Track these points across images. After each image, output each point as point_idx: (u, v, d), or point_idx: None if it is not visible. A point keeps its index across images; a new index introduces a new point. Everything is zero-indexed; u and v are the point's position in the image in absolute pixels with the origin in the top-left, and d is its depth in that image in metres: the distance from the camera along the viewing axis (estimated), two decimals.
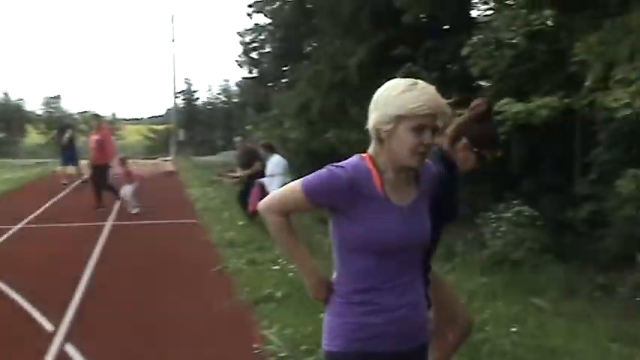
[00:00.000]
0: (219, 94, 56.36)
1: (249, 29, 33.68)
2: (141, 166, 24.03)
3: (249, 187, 10.77)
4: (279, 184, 9.87)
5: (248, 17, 33.75)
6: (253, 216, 10.83)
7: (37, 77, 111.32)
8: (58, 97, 54.09)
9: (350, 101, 13.62)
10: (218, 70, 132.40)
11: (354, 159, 1.89)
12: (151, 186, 16.65)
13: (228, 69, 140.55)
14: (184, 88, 52.35)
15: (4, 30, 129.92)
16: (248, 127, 38.07)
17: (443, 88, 7.48)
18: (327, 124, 14.64)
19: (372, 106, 1.86)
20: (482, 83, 12.94)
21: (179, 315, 5.17)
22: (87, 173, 15.43)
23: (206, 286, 6.08)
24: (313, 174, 1.85)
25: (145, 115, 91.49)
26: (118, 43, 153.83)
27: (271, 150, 10.16)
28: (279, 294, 5.34)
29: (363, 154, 1.90)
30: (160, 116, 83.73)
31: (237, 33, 33.53)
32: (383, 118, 1.80)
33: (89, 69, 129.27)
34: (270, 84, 33.30)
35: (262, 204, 1.94)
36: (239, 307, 5.28)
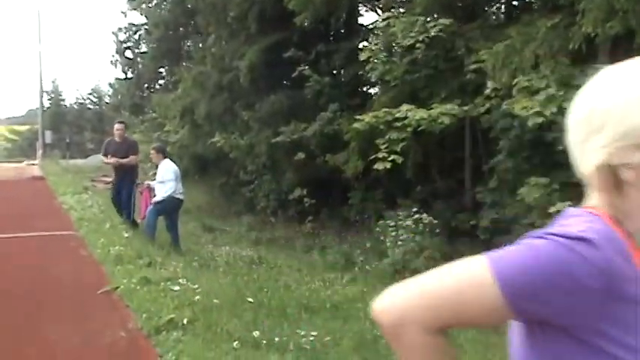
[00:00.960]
0: (89, 94, 53.45)
1: (124, 28, 32.11)
2: (3, 170, 22.05)
3: (122, 186, 10.04)
4: (170, 191, 9.11)
5: (123, 15, 32.27)
6: (135, 224, 10.04)
7: None
8: None
9: (239, 104, 13.10)
10: (88, 70, 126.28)
11: (589, 220, 0.92)
12: (17, 193, 15.16)
13: (99, 69, 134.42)
14: (50, 88, 49.12)
15: None
16: None
17: (334, 93, 7.20)
18: (214, 127, 14.02)
19: (594, 119, 0.93)
20: (374, 90, 12.95)
21: (63, 348, 4.43)
22: None
23: (94, 311, 5.32)
24: (511, 250, 0.91)
25: (2, 116, 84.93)
26: None
27: (163, 154, 9.44)
28: (183, 319, 4.72)
29: (590, 208, 0.96)
30: (19, 117, 78.24)
31: (112, 32, 31.87)
32: (628, 140, 0.89)
33: None
34: (146, 85, 31.89)
35: (388, 306, 0.94)
36: (136, 337, 4.61)
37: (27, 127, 52.69)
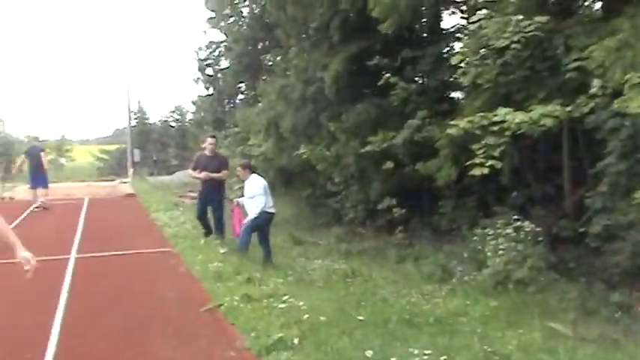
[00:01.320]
0: (172, 112, 55.16)
1: (205, 46, 32.96)
2: (98, 188, 22.91)
3: (208, 202, 10.08)
4: (261, 206, 9.12)
5: (203, 34, 33.11)
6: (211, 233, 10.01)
7: None
8: (0, 120, 51.84)
9: (325, 115, 13.03)
10: (170, 88, 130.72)
11: None
12: (112, 211, 15.65)
13: (181, 87, 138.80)
14: (136, 108, 51.03)
15: None
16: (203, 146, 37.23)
17: (421, 100, 6.87)
18: (299, 139, 14.00)
19: None
20: (458, 95, 12.57)
21: None
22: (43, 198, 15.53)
23: (200, 329, 5.28)
24: None
25: (92, 137, 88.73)
26: (62, 64, 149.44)
27: (250, 169, 9.49)
28: (292, 339, 4.60)
29: None
30: (107, 137, 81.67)
31: (194, 51, 32.78)
32: None
33: (33, 91, 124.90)
34: (227, 100, 32.55)
35: None
36: (246, 357, 4.53)
37: (116, 146, 54.90)
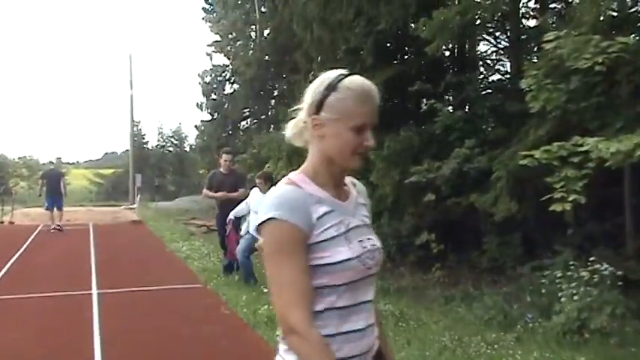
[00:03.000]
0: (169, 137, 54.29)
1: (210, 70, 32.27)
2: (100, 213, 21.92)
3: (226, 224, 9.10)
4: None
5: (207, 58, 32.61)
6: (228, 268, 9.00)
7: None
8: None
9: None
10: (167, 112, 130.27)
11: None
12: (122, 240, 14.67)
13: (179, 111, 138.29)
14: (134, 131, 50.08)
15: None
16: (202, 172, 36.31)
17: (467, 127, 5.84)
18: None
19: None
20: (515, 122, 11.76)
21: None
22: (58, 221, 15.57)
23: None
24: None
25: (82, 159, 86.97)
26: (58, 84, 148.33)
27: (271, 182, 8.40)
28: None
29: None
30: (97, 160, 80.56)
31: (198, 74, 32.03)
32: None
33: (28, 111, 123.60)
34: (230, 126, 31.72)
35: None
36: None
37: (109, 170, 53.82)
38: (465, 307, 9.65)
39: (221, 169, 9.36)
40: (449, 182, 10.35)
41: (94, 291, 7.91)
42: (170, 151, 53.50)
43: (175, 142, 53.95)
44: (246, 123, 31.81)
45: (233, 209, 8.80)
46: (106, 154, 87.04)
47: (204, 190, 9.81)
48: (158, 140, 53.76)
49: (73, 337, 5.71)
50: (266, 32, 25.28)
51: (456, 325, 8.66)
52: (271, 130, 25.01)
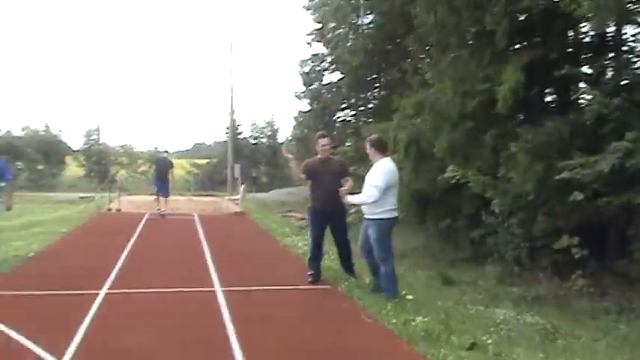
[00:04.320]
0: (263, 128, 54.51)
1: (309, 59, 31.74)
2: (201, 203, 21.73)
3: (330, 219, 7.74)
4: (382, 205, 6.93)
5: (307, 46, 32.01)
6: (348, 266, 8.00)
7: (77, 109, 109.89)
8: (97, 130, 52.44)
9: (491, 133, 11.06)
10: (260, 104, 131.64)
11: None
12: (232, 231, 14.16)
13: (274, 102, 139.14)
14: (228, 122, 50.54)
15: (45, 62, 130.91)
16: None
17: (624, 117, 4.09)
18: (451, 160, 12.06)
19: None
20: None
21: None
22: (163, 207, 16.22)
23: None
24: None
25: (171, 149, 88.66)
26: (159, 75, 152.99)
27: (384, 150, 7.05)
28: None
29: None
30: (187, 150, 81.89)
31: (298, 64, 31.58)
32: None
33: (129, 101, 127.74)
34: (330, 116, 31.06)
35: None
36: None
37: (204, 160, 54.52)
38: (626, 324, 8.43)
39: (318, 156, 8.04)
40: (602, 180, 9.11)
41: (218, 288, 7.27)
42: (263, 142, 53.70)
43: (269, 133, 54.12)
44: (344, 114, 31.08)
45: (337, 200, 7.40)
46: (196, 144, 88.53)
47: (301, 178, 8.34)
48: (252, 131, 54.12)
49: (209, 344, 5.02)
50: (369, 18, 24.33)
51: (623, 345, 7.49)
52: (371, 120, 24.11)
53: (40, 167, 48.25)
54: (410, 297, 6.80)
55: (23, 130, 51.26)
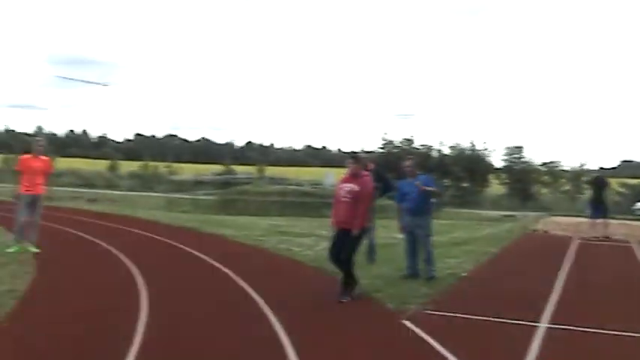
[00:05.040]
0: None
1: None
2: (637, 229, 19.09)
3: None
4: None
5: None
6: None
7: (500, 126, 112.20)
8: (520, 148, 52.13)
9: None
10: None
11: None
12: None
13: None
14: None
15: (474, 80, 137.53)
16: None
17: None
18: None
19: None
20: None
21: None
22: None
23: None
24: None
25: (591, 166, 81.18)
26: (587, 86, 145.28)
27: None
28: None
29: None
30: (611, 168, 74.39)
31: None
32: None
33: (556, 116, 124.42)
34: None
35: None
36: None
37: (635, 180, 49.10)
38: None
39: None
40: None
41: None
42: None
43: None
44: None
45: None
46: (624, 161, 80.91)
47: None
48: None
49: None
50: None
51: None
52: None
53: (465, 185, 50.28)
54: None
55: (451, 148, 54.08)
